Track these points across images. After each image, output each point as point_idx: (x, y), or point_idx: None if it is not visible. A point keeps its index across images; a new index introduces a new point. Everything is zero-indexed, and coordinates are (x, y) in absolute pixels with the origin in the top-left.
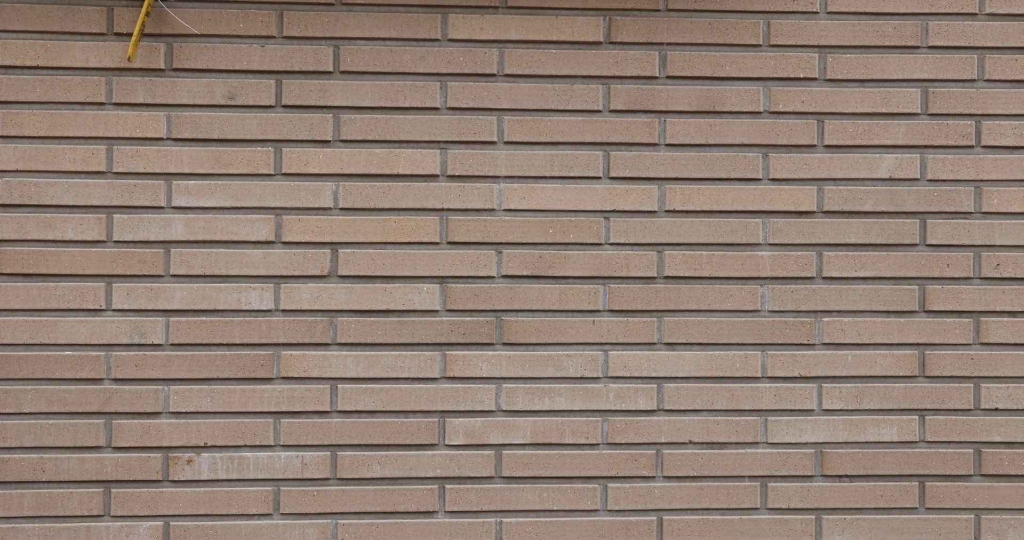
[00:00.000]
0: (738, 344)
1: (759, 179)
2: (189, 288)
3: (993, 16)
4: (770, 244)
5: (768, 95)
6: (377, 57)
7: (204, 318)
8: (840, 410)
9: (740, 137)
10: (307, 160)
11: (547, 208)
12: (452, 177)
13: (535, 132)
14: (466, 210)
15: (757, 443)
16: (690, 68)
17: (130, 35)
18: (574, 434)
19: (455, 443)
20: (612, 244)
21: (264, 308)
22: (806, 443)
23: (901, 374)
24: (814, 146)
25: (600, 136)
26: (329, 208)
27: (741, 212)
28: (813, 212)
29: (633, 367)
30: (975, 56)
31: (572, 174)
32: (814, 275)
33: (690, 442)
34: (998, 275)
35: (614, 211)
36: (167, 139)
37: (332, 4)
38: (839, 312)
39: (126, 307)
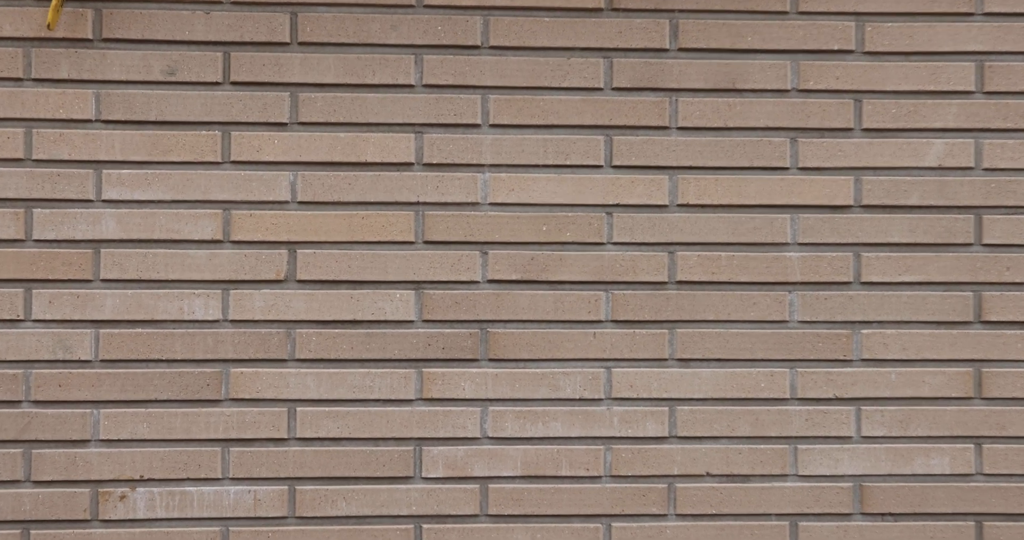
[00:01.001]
0: (763, 360)
1: (786, 168)
2: (122, 295)
3: None
4: (799, 244)
5: (797, 70)
6: (341, 26)
7: (140, 330)
8: (882, 437)
9: (764, 119)
10: (260, 146)
11: (540, 202)
12: (429, 166)
13: (525, 113)
14: (446, 204)
15: (786, 476)
16: (706, 39)
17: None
18: (572, 465)
19: (433, 475)
20: (616, 244)
21: (210, 318)
22: (843, 476)
23: (954, 395)
24: (850, 130)
25: (601, 118)
26: (286, 202)
27: (766, 206)
28: (850, 206)
29: (641, 386)
30: None
31: (569, 162)
32: (851, 280)
33: (707, 474)
34: None
35: (618, 205)
36: (96, 121)
37: None
38: (880, 323)
39: (48, 317)
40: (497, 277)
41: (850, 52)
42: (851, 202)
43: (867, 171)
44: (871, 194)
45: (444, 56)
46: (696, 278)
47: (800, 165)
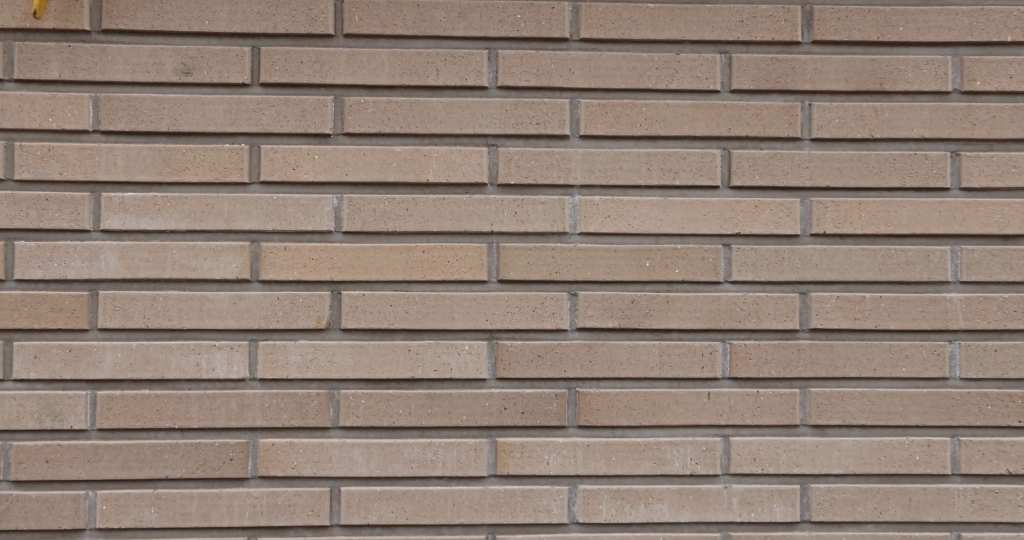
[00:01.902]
0: (917, 427)
1: (946, 188)
2: (125, 348)
3: None
4: (962, 282)
5: (959, 67)
6: (397, 14)
7: (147, 391)
8: None
9: (919, 128)
10: (297, 162)
11: (642, 231)
12: (505, 187)
13: (624, 122)
14: (526, 234)
15: None
16: (847, 29)
17: None
18: None
19: None
20: (735, 283)
21: (235, 377)
22: None
23: None
24: None
25: (718, 128)
26: (328, 232)
27: (921, 236)
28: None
29: (766, 459)
30: None
31: (678, 182)
32: None
33: None
34: None
35: (738, 235)
36: (94, 132)
37: None
38: None
39: (33, 376)
40: (589, 324)
41: None
42: None
43: None
44: None
45: (524, 51)
46: (834, 325)
47: (963, 185)
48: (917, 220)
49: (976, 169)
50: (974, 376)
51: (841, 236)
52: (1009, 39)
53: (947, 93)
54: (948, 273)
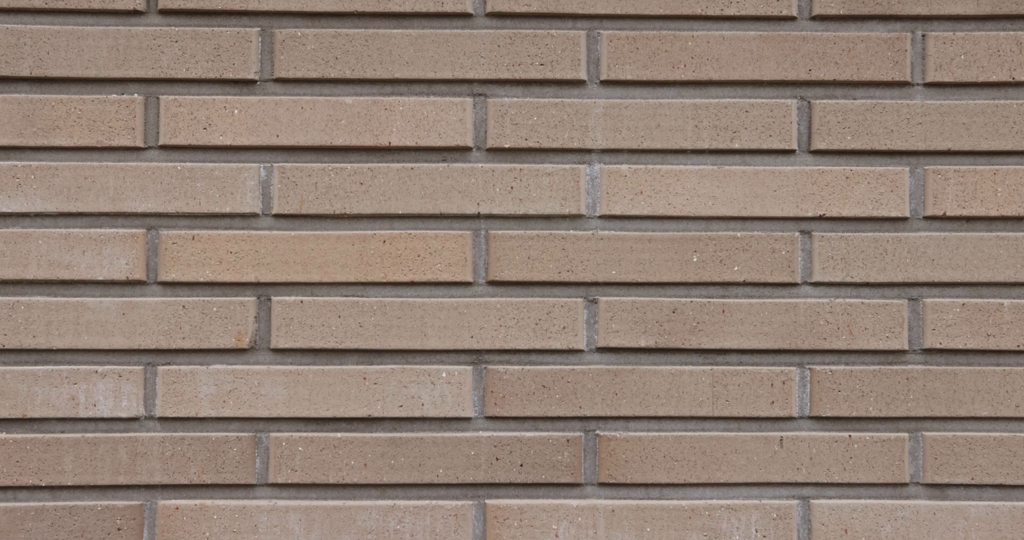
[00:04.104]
0: None
1: None
2: None
3: None
4: None
5: None
6: None
7: (3, 435)
8: None
9: None
10: (209, 119)
11: (687, 214)
12: (497, 152)
13: (662, 62)
14: (526, 217)
15: None
16: None
17: None
18: None
19: None
20: (817, 285)
21: (124, 415)
22: None
23: None
24: None
25: (793, 68)
26: (253, 214)
27: None
28: None
29: (861, 532)
30: None
31: (737, 146)
32: None
33: None
34: None
35: (822, 218)
36: None
37: None
38: None
39: None
40: (614, 343)
41: None
42: None
43: None
44: None
45: None
46: (959, 344)
47: None
48: None
49: None
50: None
51: (968, 219)
52: None
53: None
54: None
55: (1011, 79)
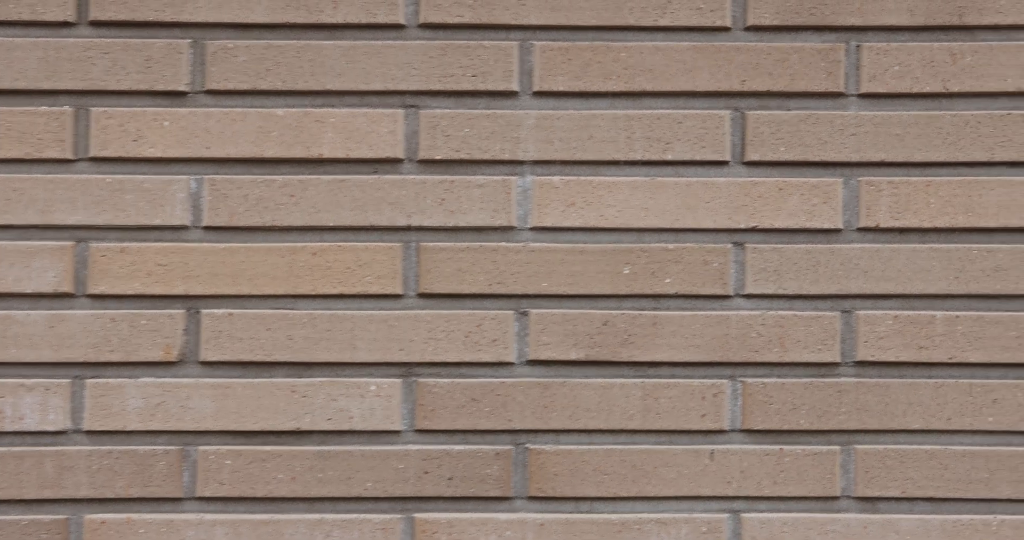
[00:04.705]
0: (1009, 501)
1: None
2: None
3: None
4: None
5: None
6: None
7: None
8: None
9: (1015, 78)
10: (140, 131)
11: (619, 225)
12: (428, 164)
13: (595, 72)
14: (456, 230)
15: None
16: None
17: None
18: None
19: None
20: (750, 297)
21: (51, 428)
22: None
23: None
24: None
25: (727, 79)
26: (183, 227)
27: (1015, 230)
28: None
29: None
30: None
31: (670, 157)
32: None
33: None
34: None
35: (754, 230)
36: None
37: None
38: None
39: None
40: (545, 355)
41: None
42: None
43: None
44: None
45: None
46: (891, 357)
47: None
48: (1010, 208)
49: None
50: None
51: (901, 231)
52: None
53: None
54: None
55: (944, 90)
